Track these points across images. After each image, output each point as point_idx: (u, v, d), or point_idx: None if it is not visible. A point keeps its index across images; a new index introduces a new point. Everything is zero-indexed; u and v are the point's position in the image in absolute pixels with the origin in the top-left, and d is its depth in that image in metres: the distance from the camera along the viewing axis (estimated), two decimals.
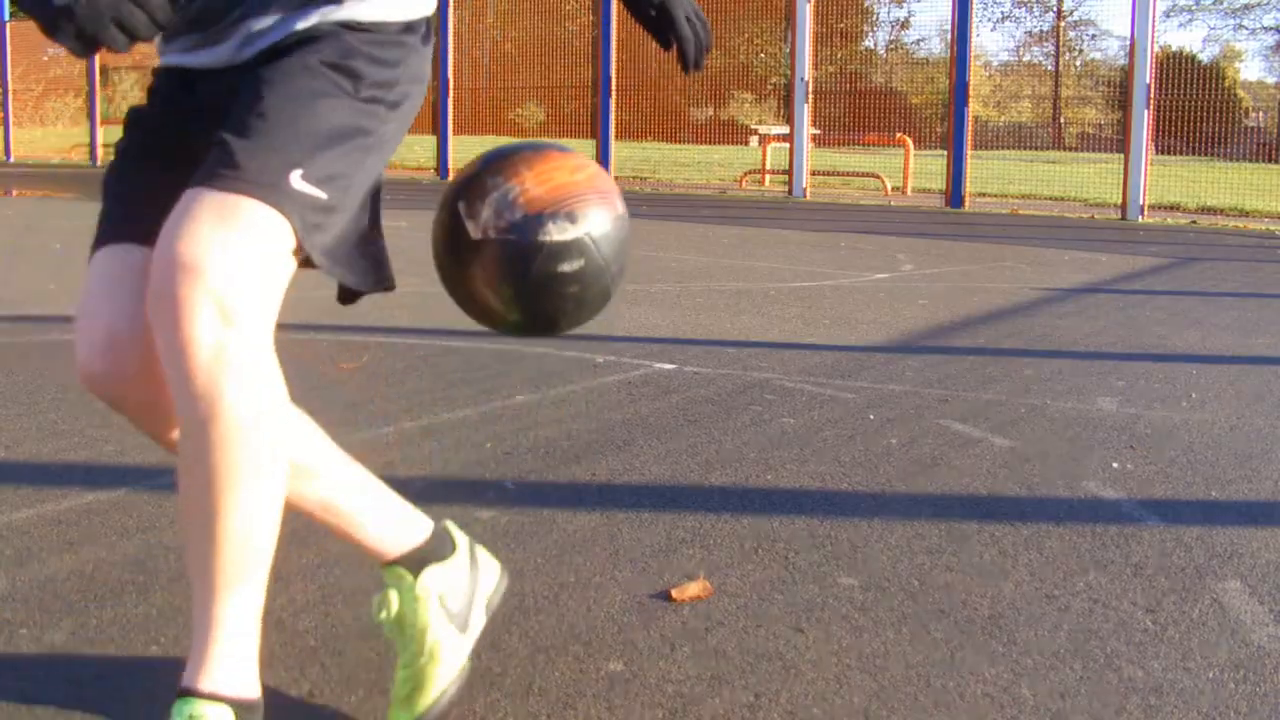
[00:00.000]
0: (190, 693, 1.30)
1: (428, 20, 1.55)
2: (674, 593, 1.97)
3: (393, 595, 1.57)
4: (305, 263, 1.38)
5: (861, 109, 14.66)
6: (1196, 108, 12.72)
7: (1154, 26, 11.18)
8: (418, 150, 18.18)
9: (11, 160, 19.83)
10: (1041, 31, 24.97)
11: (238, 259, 1.25)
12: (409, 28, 1.51)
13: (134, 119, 1.55)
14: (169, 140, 1.50)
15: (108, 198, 1.54)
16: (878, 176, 14.19)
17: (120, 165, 1.54)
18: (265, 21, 1.42)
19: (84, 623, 1.81)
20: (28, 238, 7.71)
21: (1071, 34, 25.74)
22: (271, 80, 1.37)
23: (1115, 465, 2.79)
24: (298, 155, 1.33)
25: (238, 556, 1.31)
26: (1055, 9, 26.99)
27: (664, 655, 1.74)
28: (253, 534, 1.32)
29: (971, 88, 12.10)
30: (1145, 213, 11.30)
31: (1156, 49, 11.42)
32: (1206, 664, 1.75)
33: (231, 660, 1.32)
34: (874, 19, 20.24)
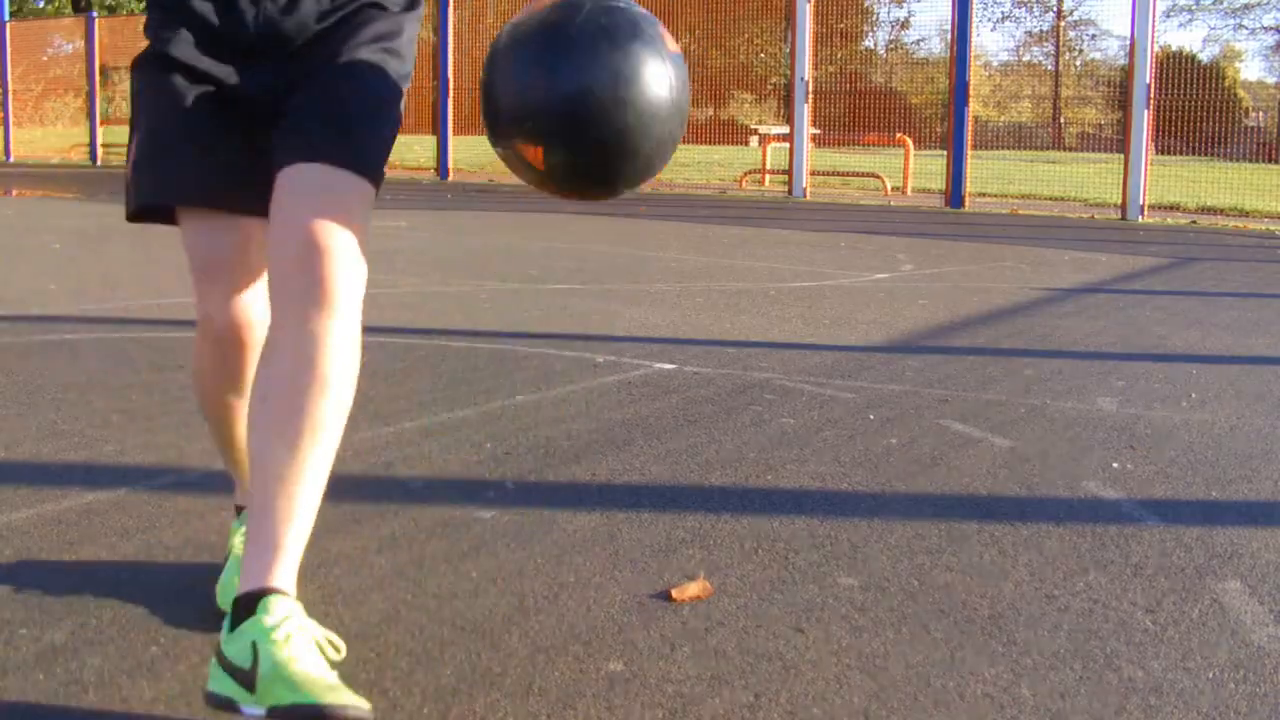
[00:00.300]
0: (269, 591, 1.46)
1: None
2: (674, 593, 1.97)
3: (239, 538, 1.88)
4: None
5: (861, 109, 14.65)
6: (1196, 108, 12.72)
7: (1154, 26, 11.18)
8: (417, 150, 18.18)
9: (11, 160, 19.83)
10: (1041, 31, 24.96)
11: (359, 244, 1.53)
12: (415, 1, 1.74)
13: (164, 58, 1.64)
14: (218, 81, 1.64)
15: (176, 147, 1.66)
16: (878, 176, 14.18)
17: (173, 106, 1.65)
18: None
19: (84, 623, 1.81)
20: (28, 238, 7.71)
21: (1071, 34, 25.73)
22: (357, 73, 1.61)
23: (1115, 465, 2.79)
24: (388, 150, 1.62)
25: (309, 493, 1.52)
26: (1055, 9, 26.98)
27: (664, 655, 1.74)
28: (322, 473, 1.54)
29: (971, 88, 12.11)
30: (1145, 213, 11.30)
31: (1156, 49, 11.43)
32: (1206, 664, 1.75)
33: (289, 576, 1.50)
34: (874, 19, 20.23)
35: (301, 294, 1.50)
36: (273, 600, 1.46)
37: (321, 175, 1.54)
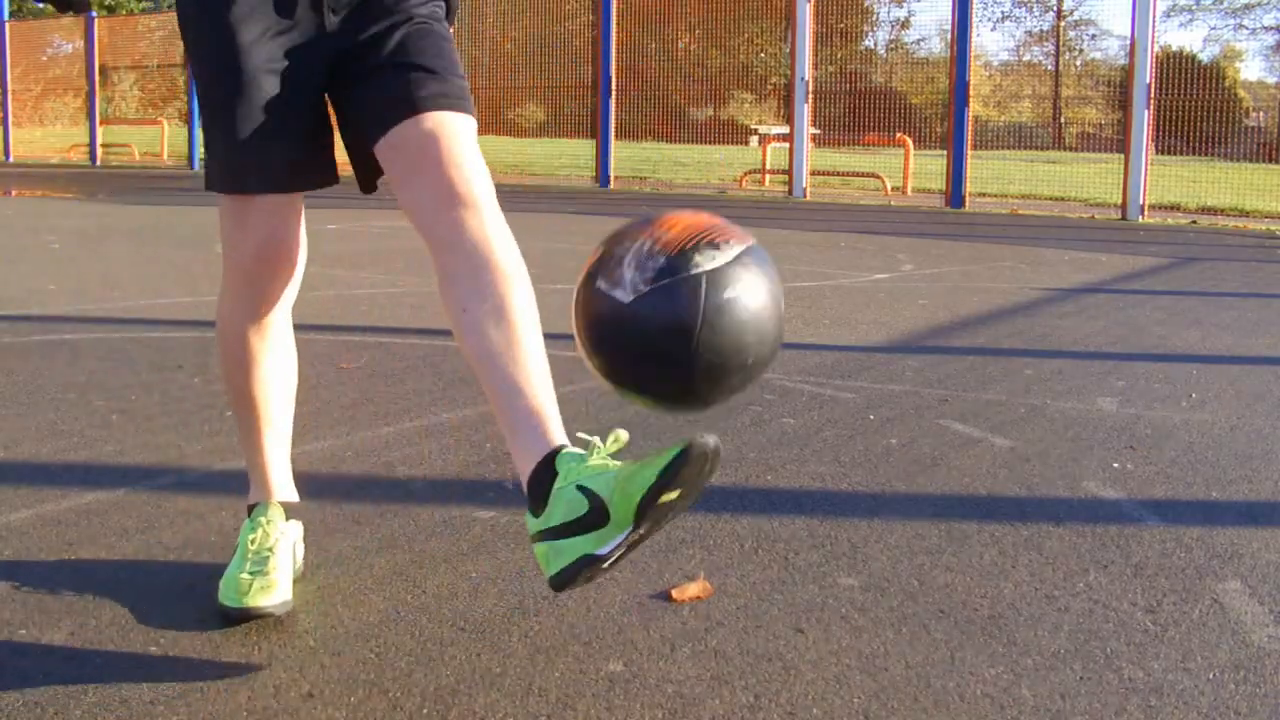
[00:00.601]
0: (560, 449, 1.57)
1: None
2: (674, 593, 1.97)
3: None
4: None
5: (861, 109, 14.65)
6: (1196, 108, 12.72)
7: (1154, 26, 11.18)
8: None
9: (11, 160, 19.82)
10: (1041, 31, 24.94)
11: (482, 162, 1.75)
12: None
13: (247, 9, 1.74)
14: (311, 46, 1.76)
15: (274, 118, 1.76)
16: (878, 176, 14.18)
17: (266, 75, 1.75)
18: None
19: (84, 623, 1.81)
20: (28, 238, 7.71)
21: (1071, 34, 25.72)
22: (436, 35, 1.79)
23: (1115, 465, 2.79)
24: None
25: (537, 366, 1.66)
26: (1055, 9, 26.97)
27: (664, 655, 1.74)
28: (539, 345, 1.70)
29: (971, 88, 12.10)
30: (1145, 213, 11.30)
31: (1156, 49, 11.42)
32: (1207, 664, 1.75)
33: (562, 432, 1.64)
34: (874, 19, 20.20)
35: (456, 210, 1.68)
36: (564, 454, 1.55)
37: (440, 121, 1.72)
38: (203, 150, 1.92)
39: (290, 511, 2.00)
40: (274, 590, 1.84)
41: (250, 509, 2.00)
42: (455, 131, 1.73)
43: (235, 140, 1.74)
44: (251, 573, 1.86)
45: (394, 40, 1.77)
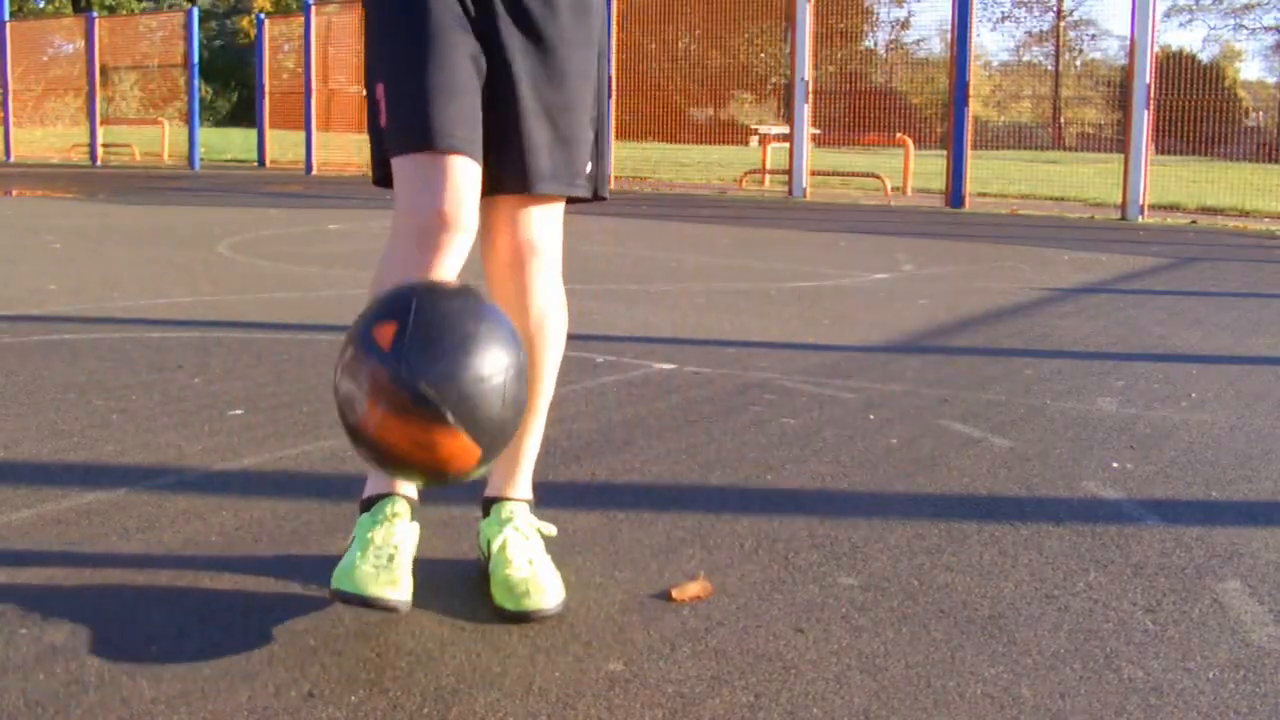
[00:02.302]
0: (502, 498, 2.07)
1: None
2: (674, 593, 1.97)
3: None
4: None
5: (861, 109, 14.65)
6: (1196, 108, 12.72)
7: (1154, 26, 11.18)
8: None
9: (11, 160, 19.82)
10: (1041, 31, 24.97)
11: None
12: None
13: None
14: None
15: (456, 87, 1.88)
16: (878, 176, 14.19)
17: (451, 48, 1.87)
18: None
19: (84, 623, 1.81)
20: (28, 238, 7.71)
21: (1071, 34, 25.73)
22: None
23: (1115, 465, 2.79)
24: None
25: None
26: (1055, 9, 26.99)
27: (664, 655, 1.74)
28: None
29: (971, 88, 12.10)
30: (1145, 213, 11.30)
31: (1156, 49, 11.42)
32: (1206, 664, 1.75)
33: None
34: (874, 19, 20.20)
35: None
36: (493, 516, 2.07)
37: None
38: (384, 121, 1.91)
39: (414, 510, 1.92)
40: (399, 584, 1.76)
41: (368, 502, 1.91)
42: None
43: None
44: (376, 566, 1.76)
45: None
